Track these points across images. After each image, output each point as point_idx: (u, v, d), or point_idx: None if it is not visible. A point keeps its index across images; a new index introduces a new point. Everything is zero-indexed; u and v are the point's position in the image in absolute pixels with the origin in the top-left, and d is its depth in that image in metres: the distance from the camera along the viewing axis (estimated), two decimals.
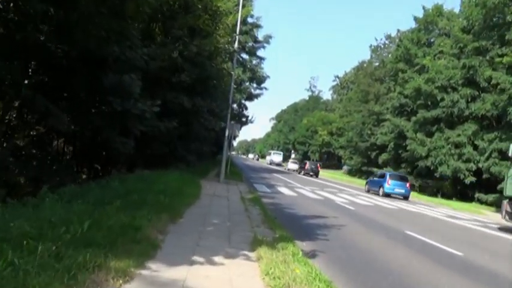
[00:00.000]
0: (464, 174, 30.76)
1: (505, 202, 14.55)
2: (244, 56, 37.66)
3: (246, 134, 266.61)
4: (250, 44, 37.81)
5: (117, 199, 7.51)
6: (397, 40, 49.33)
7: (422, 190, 36.19)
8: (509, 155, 14.59)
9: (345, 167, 63.43)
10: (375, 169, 47.16)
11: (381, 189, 25.99)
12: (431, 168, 32.37)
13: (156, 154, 17.74)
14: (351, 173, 55.84)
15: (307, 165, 45.80)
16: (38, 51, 9.24)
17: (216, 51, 16.45)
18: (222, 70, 18.17)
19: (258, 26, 37.20)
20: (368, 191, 27.81)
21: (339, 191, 24.87)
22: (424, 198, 29.71)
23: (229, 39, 17.21)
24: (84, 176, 18.59)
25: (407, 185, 26.48)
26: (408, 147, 34.74)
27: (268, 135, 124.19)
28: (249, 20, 37.30)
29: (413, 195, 32.01)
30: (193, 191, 11.82)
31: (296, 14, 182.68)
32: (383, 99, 47.16)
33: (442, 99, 32.83)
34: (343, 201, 18.62)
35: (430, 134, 34.27)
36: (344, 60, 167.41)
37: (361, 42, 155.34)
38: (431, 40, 42.94)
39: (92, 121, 11.07)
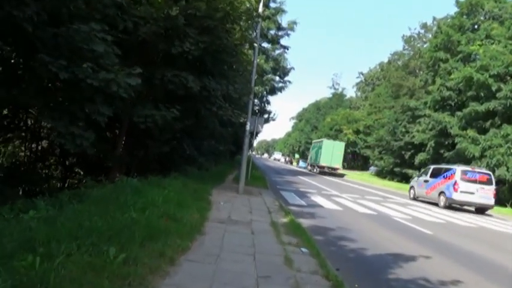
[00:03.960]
0: None
1: None
2: (266, 45, 32.72)
3: (266, 133, 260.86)
4: (272, 31, 32.86)
5: None
6: (434, 28, 43.52)
7: None
8: None
9: (372, 168, 57.66)
10: (409, 171, 41.51)
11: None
12: None
13: (153, 155, 13.01)
14: (380, 174, 50.08)
15: (287, 158, 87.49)
16: None
17: (234, 13, 11.56)
18: (240, 45, 13.23)
19: (281, 11, 32.15)
20: None
21: (383, 200, 19.69)
22: None
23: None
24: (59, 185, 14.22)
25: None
26: (458, 146, 29.01)
27: (288, 134, 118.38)
28: (272, 4, 32.43)
29: None
30: (194, 218, 6.93)
31: (315, 8, 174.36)
32: (419, 94, 41.48)
33: (499, 90, 27.13)
34: (402, 216, 13.53)
35: (482, 131, 28.59)
36: (367, 56, 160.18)
37: (385, 38, 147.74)
38: (475, 26, 37.18)
39: (16, 98, 6.30)
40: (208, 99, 12.04)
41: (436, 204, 19.08)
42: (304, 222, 9.68)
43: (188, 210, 7.32)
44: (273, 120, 39.36)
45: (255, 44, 13.29)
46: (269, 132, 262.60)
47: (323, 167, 41.98)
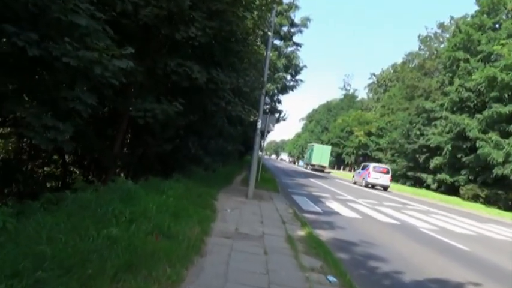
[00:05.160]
0: None
1: None
2: (278, 42, 31.36)
3: (275, 133, 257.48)
4: (285, 28, 31.51)
5: None
6: (452, 28, 41.75)
7: (489, 202, 28.79)
8: None
9: None
10: (424, 175, 39.79)
11: None
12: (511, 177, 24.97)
13: (154, 154, 11.75)
14: (393, 178, 48.20)
15: (291, 159, 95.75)
16: None
17: None
18: (253, 34, 11.91)
19: (295, 7, 30.78)
20: None
21: (402, 206, 18.21)
22: (508, 216, 22.43)
23: None
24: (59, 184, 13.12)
25: None
26: (480, 151, 27.32)
27: (298, 135, 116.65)
28: (285, 0, 31.06)
29: (482, 209, 24.94)
30: (194, 232, 5.61)
31: (325, 6, 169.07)
32: (435, 95, 39.75)
33: None
34: (428, 227, 12.10)
35: (505, 134, 26.93)
36: (379, 57, 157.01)
37: (398, 38, 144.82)
38: (496, 25, 35.39)
39: None
40: (216, 93, 10.74)
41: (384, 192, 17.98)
42: (323, 234, 8.35)
43: (187, 221, 6.01)
44: (284, 120, 37.98)
45: (269, 33, 11.97)
46: (278, 132, 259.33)
47: (314, 165, 50.82)
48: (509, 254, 9.72)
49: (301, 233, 7.42)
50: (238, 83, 11.15)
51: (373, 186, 29.83)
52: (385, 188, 29.58)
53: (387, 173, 30.48)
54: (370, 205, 16.54)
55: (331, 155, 72.19)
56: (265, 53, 12.80)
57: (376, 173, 29.69)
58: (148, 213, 5.67)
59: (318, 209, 13.05)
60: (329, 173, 51.16)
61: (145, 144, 11.10)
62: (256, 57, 12.93)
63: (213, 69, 10.46)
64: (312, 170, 50.15)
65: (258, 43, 15.48)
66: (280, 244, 6.16)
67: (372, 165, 31.48)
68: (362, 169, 32.15)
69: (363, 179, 30.34)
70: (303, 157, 75.99)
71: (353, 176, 34.78)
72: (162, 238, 4.77)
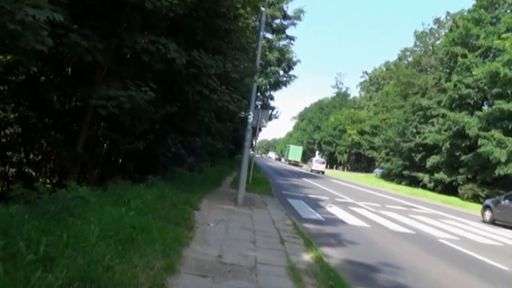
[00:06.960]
0: None
1: None
2: (270, 35, 29.37)
3: (266, 132, 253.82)
4: (278, 20, 29.53)
5: None
6: (448, 23, 40.15)
7: None
8: None
9: (377, 170, 54.15)
10: (420, 174, 38.07)
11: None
12: None
13: (124, 153, 9.70)
14: (387, 177, 46.63)
15: (277, 156, 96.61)
16: None
17: None
18: (243, 9, 9.90)
19: None
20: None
21: (407, 210, 16.41)
22: None
23: None
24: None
25: None
26: (482, 149, 25.64)
27: (290, 134, 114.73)
28: None
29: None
30: (151, 271, 3.62)
31: (318, 6, 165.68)
32: (431, 92, 38.09)
33: None
34: (446, 236, 10.28)
35: (508, 132, 25.29)
36: (370, 56, 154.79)
37: (391, 36, 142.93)
38: (493, 20, 33.81)
39: None
40: (198, 79, 8.74)
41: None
42: (333, 254, 6.42)
43: (145, 251, 4.02)
44: (276, 117, 36.07)
45: (262, 8, 9.98)
46: (270, 131, 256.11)
47: (290, 161, 64.64)
48: None
49: (307, 257, 5.47)
50: (225, 67, 9.16)
51: (318, 172, 45.59)
52: (322, 172, 45.86)
53: (323, 163, 49.80)
54: (374, 209, 14.68)
55: (323, 154, 72.52)
56: (257, 36, 10.81)
57: (317, 164, 48.46)
58: (82, 242, 3.68)
59: (318, 215, 11.12)
60: (301, 166, 63.79)
61: (112, 141, 9.06)
62: (247, 39, 10.94)
63: (194, 50, 8.47)
64: (289, 164, 64.42)
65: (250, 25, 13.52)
66: (282, 283, 4.18)
67: (314, 158, 52.45)
68: (310, 161, 51.62)
69: (310, 167, 48.95)
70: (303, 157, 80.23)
71: (308, 166, 53.00)
72: None
